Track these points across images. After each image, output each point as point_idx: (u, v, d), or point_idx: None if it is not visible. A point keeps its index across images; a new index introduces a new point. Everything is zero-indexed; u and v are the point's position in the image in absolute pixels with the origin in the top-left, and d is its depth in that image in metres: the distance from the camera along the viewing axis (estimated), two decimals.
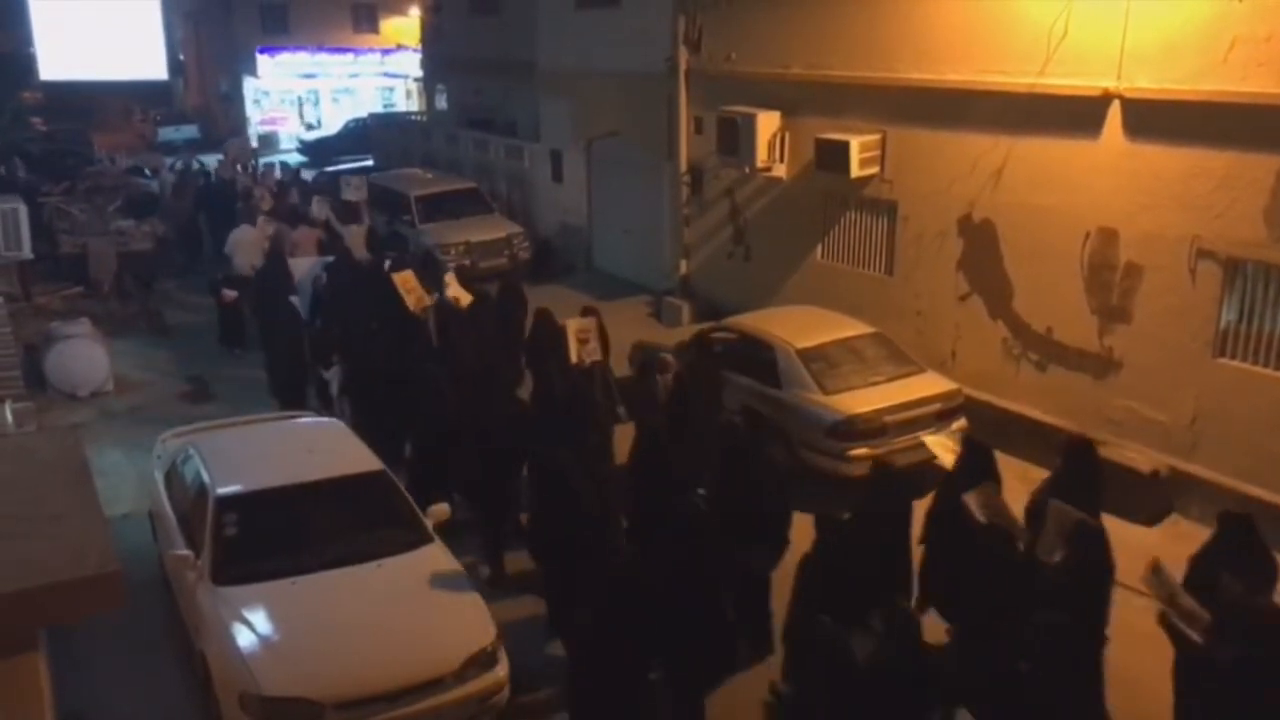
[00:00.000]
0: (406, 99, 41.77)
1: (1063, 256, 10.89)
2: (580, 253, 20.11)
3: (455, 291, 13.54)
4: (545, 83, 20.67)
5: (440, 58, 28.79)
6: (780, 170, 14.31)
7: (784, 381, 10.92)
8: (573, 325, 11.23)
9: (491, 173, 23.46)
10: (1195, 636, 5.89)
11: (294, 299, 13.91)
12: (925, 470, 9.05)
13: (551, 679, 7.60)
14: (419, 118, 33.62)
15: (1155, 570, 6.08)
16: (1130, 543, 6.43)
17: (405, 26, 39.76)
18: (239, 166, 25.53)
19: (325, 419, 10.82)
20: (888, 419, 10.32)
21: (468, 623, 7.42)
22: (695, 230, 16.61)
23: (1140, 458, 10.03)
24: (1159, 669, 6.37)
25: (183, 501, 8.64)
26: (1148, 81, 9.92)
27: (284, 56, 41.06)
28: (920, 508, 7.97)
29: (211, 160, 26.82)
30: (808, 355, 10.96)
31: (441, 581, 7.79)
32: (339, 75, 42.24)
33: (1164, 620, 6.07)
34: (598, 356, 11.22)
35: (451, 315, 13.17)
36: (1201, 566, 6.54)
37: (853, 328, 11.59)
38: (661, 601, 6.77)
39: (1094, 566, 6.42)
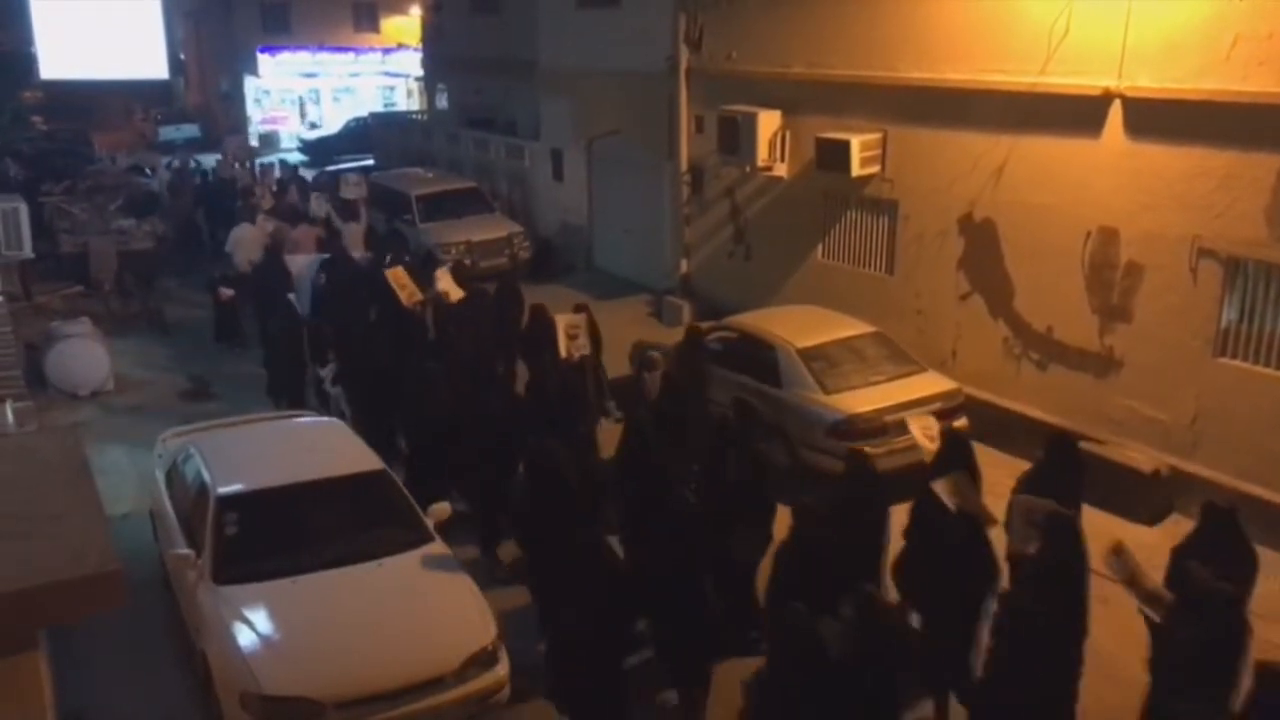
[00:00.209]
0: (407, 98, 41.74)
1: (1063, 256, 10.88)
2: (581, 252, 20.10)
3: (445, 285, 13.60)
4: (546, 82, 20.65)
5: (441, 57, 28.78)
6: (781, 169, 14.30)
7: (785, 381, 10.93)
8: (563, 321, 11.50)
9: (492, 172, 23.44)
10: (1155, 617, 6.06)
11: (291, 296, 13.93)
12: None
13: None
14: (420, 117, 33.63)
15: (1117, 552, 6.17)
16: (1130, 542, 6.42)
17: (406, 26, 39.72)
18: (238, 164, 25.52)
19: (326, 418, 10.84)
20: (888, 418, 10.31)
21: (468, 622, 7.43)
22: (696, 229, 16.60)
23: (1141, 457, 10.03)
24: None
25: (183, 501, 8.64)
26: (1149, 80, 9.91)
27: (285, 56, 41.01)
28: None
29: (209, 159, 26.80)
30: (808, 355, 10.97)
31: (442, 581, 7.81)
32: (340, 74, 42.17)
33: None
34: (586, 351, 11.47)
35: (445, 310, 13.24)
36: (1183, 557, 6.60)
37: (853, 327, 11.60)
38: (650, 594, 6.80)
39: (1067, 555, 6.48)
